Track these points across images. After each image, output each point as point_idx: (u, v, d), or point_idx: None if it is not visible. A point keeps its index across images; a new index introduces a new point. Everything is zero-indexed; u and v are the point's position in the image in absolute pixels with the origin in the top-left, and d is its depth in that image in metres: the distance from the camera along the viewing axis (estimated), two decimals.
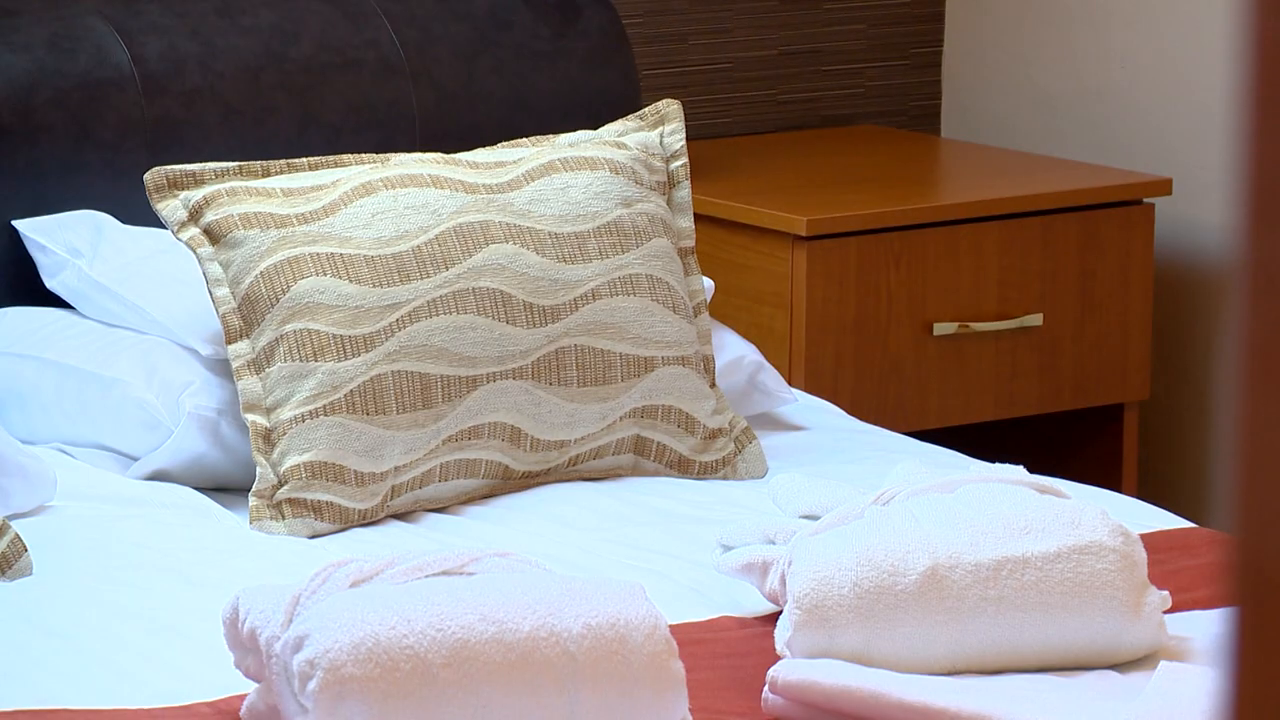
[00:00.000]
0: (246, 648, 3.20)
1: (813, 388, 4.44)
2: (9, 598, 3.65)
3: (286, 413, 3.92)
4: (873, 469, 3.94)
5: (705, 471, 4.12)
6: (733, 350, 4.27)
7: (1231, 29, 4.80)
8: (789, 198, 4.59)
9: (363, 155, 4.17)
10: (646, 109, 4.30)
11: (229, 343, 3.97)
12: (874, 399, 4.50)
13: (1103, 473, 4.64)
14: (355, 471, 3.92)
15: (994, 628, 3.43)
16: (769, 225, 4.53)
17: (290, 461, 3.92)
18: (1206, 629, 3.55)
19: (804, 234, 4.49)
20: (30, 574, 3.72)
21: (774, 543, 3.56)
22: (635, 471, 4.11)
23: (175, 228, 4.02)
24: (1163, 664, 3.34)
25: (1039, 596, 3.44)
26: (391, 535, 3.89)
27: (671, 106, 4.28)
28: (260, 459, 3.93)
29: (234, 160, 4.14)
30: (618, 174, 4.16)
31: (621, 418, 4.07)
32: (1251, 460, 0.85)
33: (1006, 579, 3.43)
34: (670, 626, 3.20)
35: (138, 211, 4.15)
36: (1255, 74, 0.84)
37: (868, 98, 5.13)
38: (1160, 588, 3.51)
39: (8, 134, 4.15)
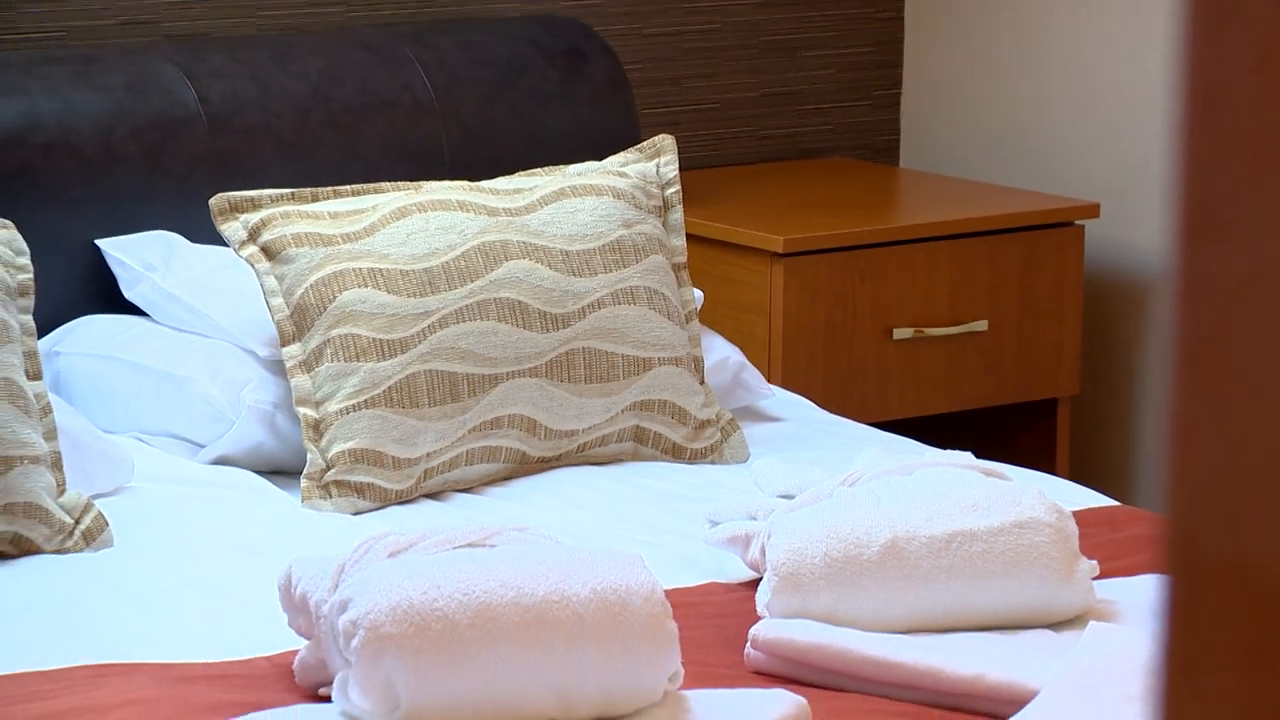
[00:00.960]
0: (298, 610, 3.19)
1: (788, 384, 4.42)
2: (93, 567, 3.66)
3: (333, 406, 3.92)
4: (840, 455, 3.92)
5: (695, 457, 4.12)
6: (719, 352, 4.26)
7: (1149, 75, 4.78)
8: (768, 220, 4.58)
9: (399, 183, 4.16)
10: (644, 143, 4.30)
11: (283, 345, 3.97)
12: (841, 394, 4.48)
13: (1039, 458, 4.63)
14: (392, 457, 3.91)
15: (945, 593, 3.44)
16: (751, 244, 4.52)
17: (336, 448, 3.91)
18: (1130, 593, 3.55)
19: (781, 251, 4.48)
20: (111, 545, 3.71)
21: (755, 519, 3.56)
22: (635, 457, 4.10)
23: (236, 246, 4.02)
24: (1092, 624, 3.35)
25: (984, 565, 3.44)
26: (424, 512, 3.88)
27: (666, 141, 4.28)
28: (310, 446, 3.92)
29: (287, 187, 4.13)
30: (619, 199, 4.15)
31: (623, 410, 4.06)
32: (1182, 447, 0.85)
33: (956, 550, 3.43)
34: (665, 591, 3.19)
35: (204, 232, 4.13)
36: (1189, 111, 0.83)
37: (836, 133, 5.12)
38: (1089, 557, 3.50)
39: (91, 165, 4.15)
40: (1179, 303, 0.83)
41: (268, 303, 3.99)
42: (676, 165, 4.25)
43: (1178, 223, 0.83)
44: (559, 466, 4.06)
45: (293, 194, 4.09)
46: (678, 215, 4.21)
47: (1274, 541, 0.81)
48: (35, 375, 3.79)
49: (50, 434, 3.76)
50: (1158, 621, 0.84)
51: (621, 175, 4.20)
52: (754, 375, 4.30)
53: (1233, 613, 0.82)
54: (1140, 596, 3.54)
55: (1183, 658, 0.84)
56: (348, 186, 4.15)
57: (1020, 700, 3.21)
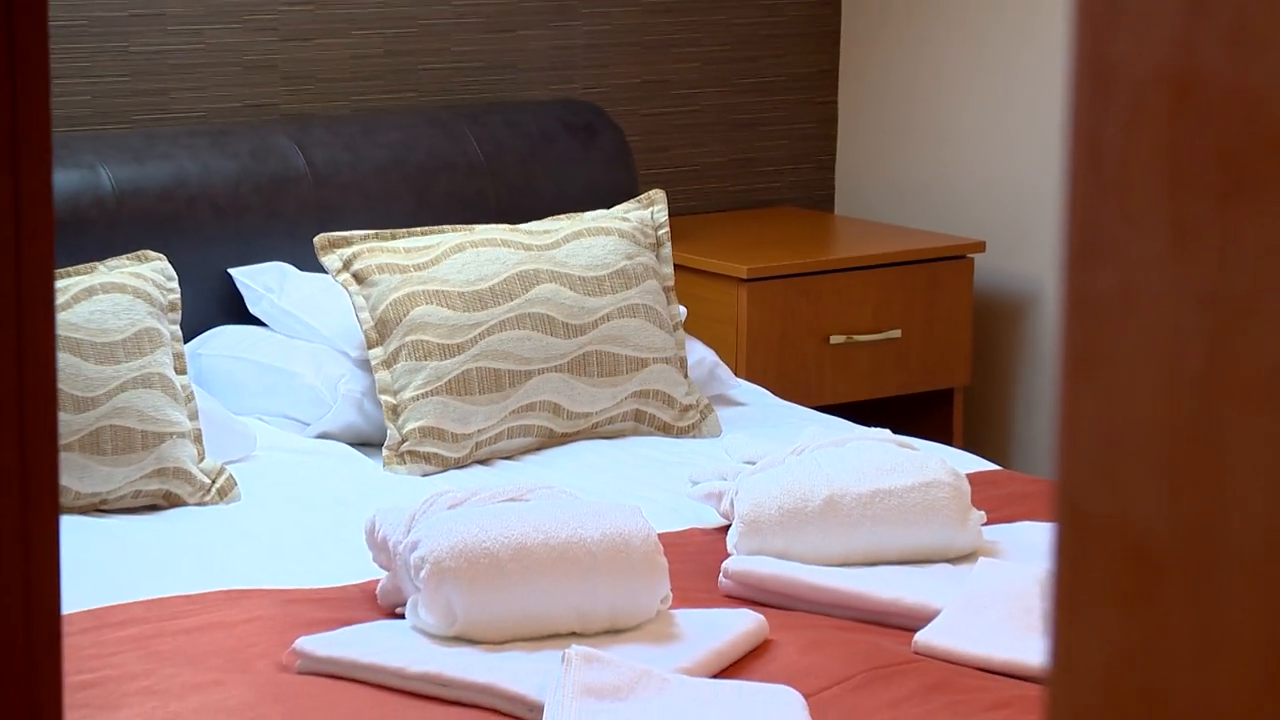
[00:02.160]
0: (380, 548, 3.19)
1: (751, 378, 4.40)
2: (225, 515, 3.66)
3: (407, 394, 3.91)
4: (790, 432, 3.90)
5: (681, 433, 4.10)
6: (698, 354, 4.24)
7: (1025, 146, 4.76)
8: (735, 254, 4.56)
9: (457, 226, 4.16)
10: (641, 196, 4.29)
11: (369, 348, 3.96)
12: (790, 385, 4.45)
13: (940, 434, 4.60)
14: (452, 433, 3.90)
15: (871, 536, 3.43)
16: (722, 272, 4.50)
17: (409, 426, 3.89)
18: (1009, 536, 3.55)
19: (745, 278, 4.46)
20: (239, 500, 3.71)
21: (726, 479, 3.56)
22: (635, 432, 4.08)
23: (334, 273, 4.01)
24: (981, 560, 3.36)
25: (900, 515, 3.43)
26: (475, 475, 3.86)
27: (658, 194, 4.27)
28: (390, 425, 3.91)
29: (372, 229, 4.11)
30: (623, 238, 4.14)
31: (626, 397, 4.05)
32: (1069, 427, 0.81)
33: (879, 503, 3.43)
34: (657, 534, 3.19)
35: (309, 263, 4.11)
36: (1075, 161, 0.79)
37: (786, 189, 5.09)
38: (978, 509, 3.49)
39: (224, 212, 4.14)
40: (1067, 313, 0.79)
41: (357, 316, 3.97)
42: (666, 213, 4.23)
43: (1066, 250, 0.80)
44: (577, 440, 4.04)
45: (376, 234, 4.07)
46: (667, 250, 4.20)
47: (1144, 504, 0.77)
48: (182, 371, 3.78)
49: (193, 415, 3.76)
50: (1049, 570, 0.80)
51: (624, 220, 4.19)
52: (725, 371, 4.29)
53: (1110, 562, 0.79)
54: (1017, 539, 3.53)
55: (1069, 599, 0.80)
56: (418, 228, 4.14)
57: (928, 617, 3.21)
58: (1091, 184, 0.75)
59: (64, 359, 3.61)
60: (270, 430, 3.96)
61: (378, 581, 3.24)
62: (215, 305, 4.16)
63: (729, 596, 3.33)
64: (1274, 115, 0.71)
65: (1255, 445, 0.73)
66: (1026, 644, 3.11)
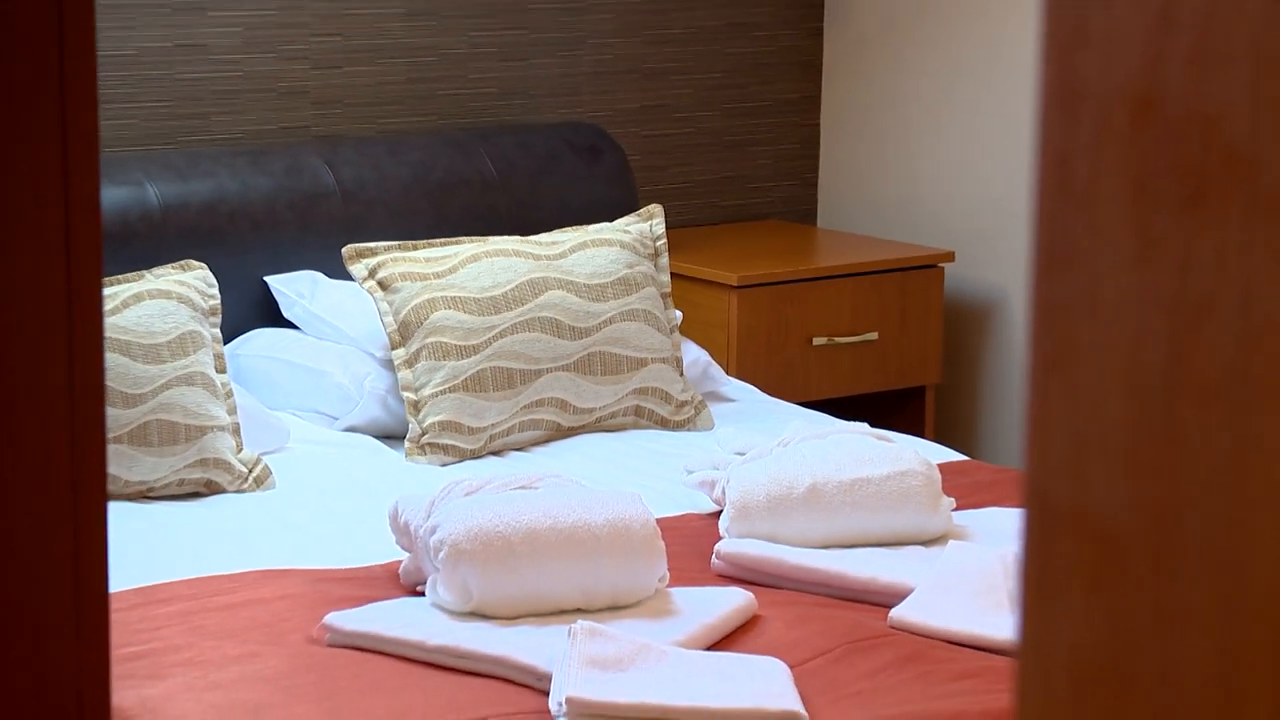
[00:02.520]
0: (402, 532, 3.18)
1: (741, 376, 4.39)
2: (261, 502, 3.65)
3: (427, 391, 3.90)
4: (777, 425, 3.89)
5: (677, 426, 4.08)
6: (693, 354, 4.23)
7: (993, 164, 4.75)
8: (726, 263, 4.55)
9: (472, 237, 4.15)
10: (641, 210, 4.28)
11: (392, 349, 3.95)
12: (777, 383, 4.44)
13: (913, 427, 4.59)
14: (468, 426, 3.89)
15: (850, 520, 3.42)
16: (715, 279, 4.49)
17: (429, 420, 3.88)
18: (976, 521, 3.54)
19: (735, 285, 4.46)
20: (274, 487, 3.70)
21: (718, 469, 3.55)
22: (635, 426, 4.07)
23: (360, 280, 4.01)
24: (951, 542, 3.34)
25: (877, 501, 3.42)
26: (489, 465, 3.85)
27: (656, 209, 4.26)
28: (411, 419, 3.90)
29: (395, 240, 4.11)
30: (624, 249, 4.13)
31: (627, 394, 4.04)
32: (1038, 423, 0.79)
33: (858, 491, 3.42)
34: (656, 519, 3.19)
35: (338, 271, 4.11)
36: (1043, 176, 0.77)
37: (773, 204, 5.09)
38: (948, 496, 3.49)
39: (260, 225, 4.14)
40: (1036, 317, 0.78)
41: (381, 320, 3.97)
42: (663, 225, 4.23)
43: (1035, 258, 0.78)
44: (582, 433, 4.02)
45: (399, 245, 4.07)
46: (664, 260, 4.20)
47: (1108, 493, 0.76)
48: (221, 370, 3.77)
49: (231, 410, 3.74)
50: (1019, 554, 0.79)
51: (625, 232, 4.18)
52: (717, 370, 4.28)
53: (1076, 548, 0.78)
54: (984, 523, 3.53)
55: (1038, 581, 0.79)
56: (437, 240, 4.13)
57: (902, 594, 3.20)
58: (1059, 196, 0.74)
59: (114, 359, 3.62)
60: (302, 424, 3.95)
61: (400, 562, 3.24)
62: (252, 310, 4.16)
63: (721, 576, 3.32)
64: (1230, 132, 0.70)
65: (1212, 439, 0.72)
66: (992, 620, 3.10)
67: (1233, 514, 0.72)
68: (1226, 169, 0.71)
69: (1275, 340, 0.69)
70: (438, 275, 3.99)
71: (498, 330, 3.94)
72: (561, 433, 4.00)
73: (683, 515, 3.56)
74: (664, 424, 4.08)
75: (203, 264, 3.90)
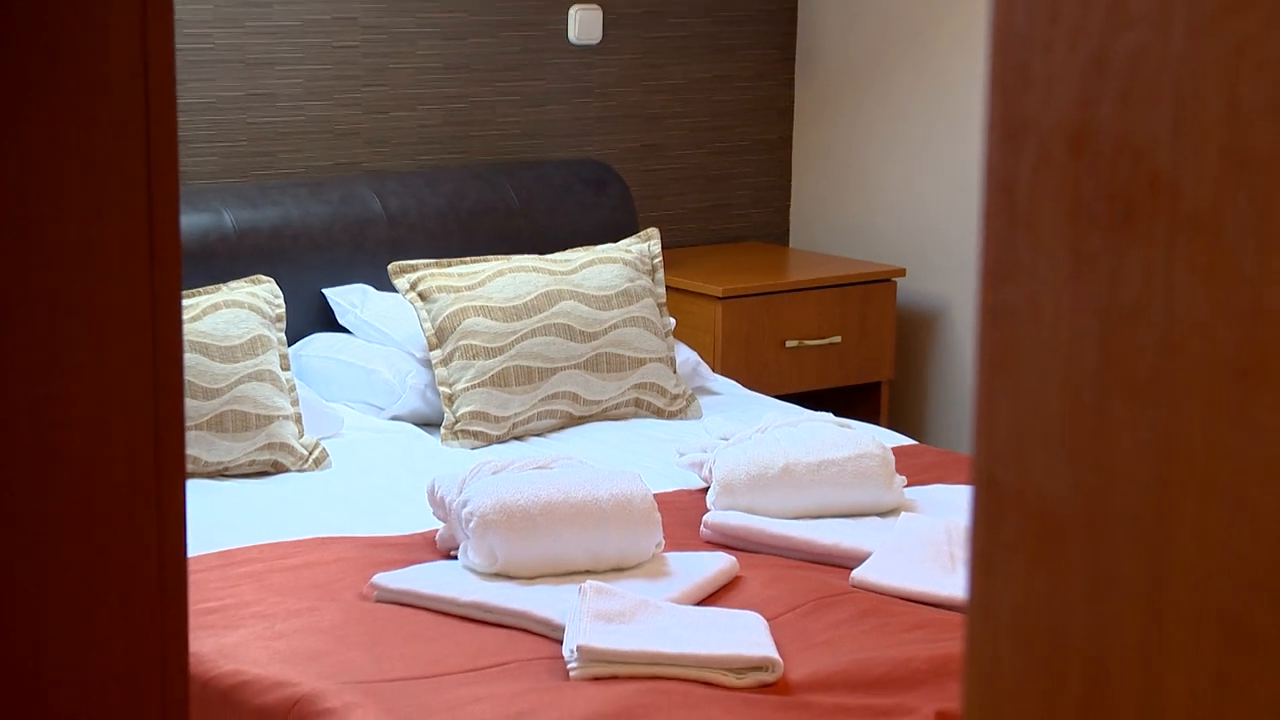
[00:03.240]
0: (438, 505, 3.19)
1: (725, 373, 4.38)
2: (319, 480, 3.63)
3: (459, 386, 3.89)
4: (755, 415, 3.88)
5: (671, 416, 4.07)
6: (684, 354, 4.22)
7: (941, 192, 4.73)
8: (713, 277, 4.53)
9: (498, 256, 4.14)
10: (640, 233, 4.27)
11: (430, 350, 3.95)
12: (755, 379, 4.43)
13: (870, 416, 4.58)
14: (494, 416, 3.88)
15: (817, 496, 3.41)
16: (703, 291, 4.47)
17: (461, 411, 3.87)
18: (924, 496, 3.54)
19: (720, 296, 4.44)
20: (331, 467, 3.69)
21: (706, 452, 3.55)
22: (635, 416, 4.06)
23: (403, 292, 4.00)
24: (903, 514, 3.35)
25: (840, 479, 3.42)
26: (512, 449, 3.84)
27: (653, 232, 4.25)
28: (446, 409, 3.89)
29: (433, 258, 4.10)
30: (627, 266, 4.12)
31: (628, 389, 4.03)
32: (985, 414, 0.77)
33: (824, 470, 3.41)
34: (653, 494, 3.18)
35: (384, 284, 4.10)
36: (990, 198, 0.75)
37: (752, 228, 5.08)
38: (900, 474, 3.48)
39: (319, 245, 4.15)
40: (983, 323, 0.76)
41: (421, 326, 3.96)
42: (659, 246, 4.23)
43: (982, 271, 0.76)
44: (591, 422, 4.01)
45: (436, 262, 4.06)
46: (660, 275, 4.19)
47: (1046, 476, 0.74)
48: (286, 368, 3.77)
49: (294, 402, 3.74)
50: (969, 529, 0.77)
51: (627, 251, 4.17)
52: (704, 368, 4.27)
53: (1019, 523, 0.76)
54: (931, 497, 3.52)
55: (985, 553, 0.77)
56: (468, 258, 4.12)
57: (862, 557, 3.20)
58: (1004, 218, 0.72)
59: (195, 359, 3.61)
60: (354, 414, 3.94)
61: (436, 531, 3.24)
62: (312, 317, 4.14)
63: (708, 543, 3.31)
64: (1154, 162, 0.68)
65: (1138, 430, 0.70)
66: (938, 579, 3.09)
67: (1156, 495, 0.70)
68: (1151, 194, 0.69)
69: (1195, 344, 0.67)
70: (468, 288, 3.98)
71: (519, 334, 3.93)
72: (573, 421, 3.99)
73: (676, 491, 3.55)
74: (660, 414, 4.06)
75: (270, 278, 3.90)
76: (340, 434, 3.82)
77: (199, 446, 3.57)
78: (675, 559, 3.15)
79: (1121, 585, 0.68)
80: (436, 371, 3.92)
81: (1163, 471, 0.67)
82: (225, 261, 3.98)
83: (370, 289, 4.15)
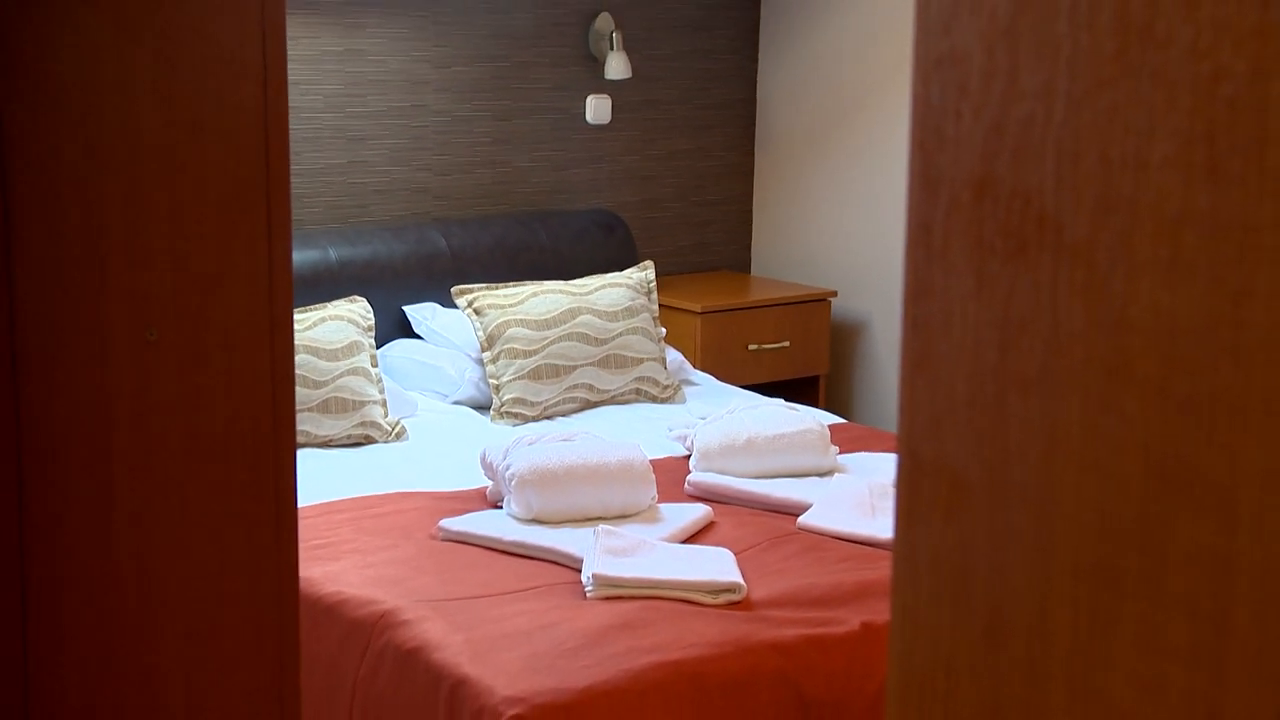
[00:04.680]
0: (488, 468, 3.16)
1: (704, 370, 4.35)
2: (400, 449, 3.58)
3: (504, 379, 3.86)
4: (725, 400, 3.86)
5: (663, 401, 4.04)
6: (673, 356, 4.19)
7: (864, 233, 4.70)
8: (694, 298, 4.50)
9: (533, 281, 4.12)
10: (639, 264, 4.24)
11: (482, 352, 3.91)
12: (726, 373, 4.40)
13: (811, 401, 4.55)
14: (530, 401, 3.85)
15: (773, 461, 3.38)
16: (687, 308, 4.44)
17: (505, 397, 3.84)
18: (852, 462, 3.50)
19: (699, 311, 4.41)
20: (408, 439, 3.65)
21: (689, 428, 3.53)
22: (636, 401, 4.03)
23: (462, 309, 3.97)
24: (835, 475, 3.31)
25: (789, 448, 3.39)
26: (543, 426, 3.81)
27: (649, 263, 4.23)
28: (494, 396, 3.87)
29: (485, 283, 4.07)
30: (629, 289, 4.09)
31: (630, 381, 4.00)
32: (908, 399, 0.73)
33: (777, 441, 3.39)
34: (649, 460, 3.16)
35: (448, 303, 4.07)
36: (913, 234, 0.70)
37: (722, 259, 5.04)
38: (834, 445, 3.44)
39: (400, 274, 4.12)
40: (906, 329, 0.72)
41: (475, 334, 3.93)
42: (653, 274, 4.19)
43: (906, 290, 0.72)
44: (602, 406, 3.98)
45: (487, 286, 4.03)
46: (654, 296, 4.16)
47: (957, 451, 0.71)
48: (374, 365, 3.73)
49: (381, 391, 3.70)
50: (895, 493, 0.73)
51: (629, 278, 4.14)
52: (688, 365, 4.24)
53: (935, 489, 0.72)
54: (857, 462, 3.49)
55: (907, 512, 0.73)
56: (511, 283, 4.09)
57: (805, 508, 3.17)
58: (923, 250, 0.68)
59: (306, 359, 3.59)
60: (426, 399, 3.91)
61: (486, 488, 3.21)
62: (394, 327, 4.11)
63: (690, 496, 3.28)
64: (1041, 205, 0.65)
65: (1028, 416, 0.66)
66: (862, 523, 3.06)
67: (1042, 467, 0.67)
68: (1038, 230, 0.66)
69: (1073, 349, 0.64)
70: (511, 305, 3.95)
71: (549, 340, 3.89)
72: (589, 405, 3.96)
73: (666, 457, 3.52)
74: (654, 400, 4.03)
75: (363, 298, 3.87)
76: (415, 415, 3.79)
77: (309, 424, 3.53)
78: (665, 509, 3.12)
79: (1015, 537, 0.65)
80: (487, 368, 3.88)
81: (1048, 448, 0.64)
82: (329, 286, 3.95)
83: (438, 306, 4.12)
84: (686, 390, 4.12)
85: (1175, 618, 0.60)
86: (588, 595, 2.67)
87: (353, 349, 3.67)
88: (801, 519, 3.09)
